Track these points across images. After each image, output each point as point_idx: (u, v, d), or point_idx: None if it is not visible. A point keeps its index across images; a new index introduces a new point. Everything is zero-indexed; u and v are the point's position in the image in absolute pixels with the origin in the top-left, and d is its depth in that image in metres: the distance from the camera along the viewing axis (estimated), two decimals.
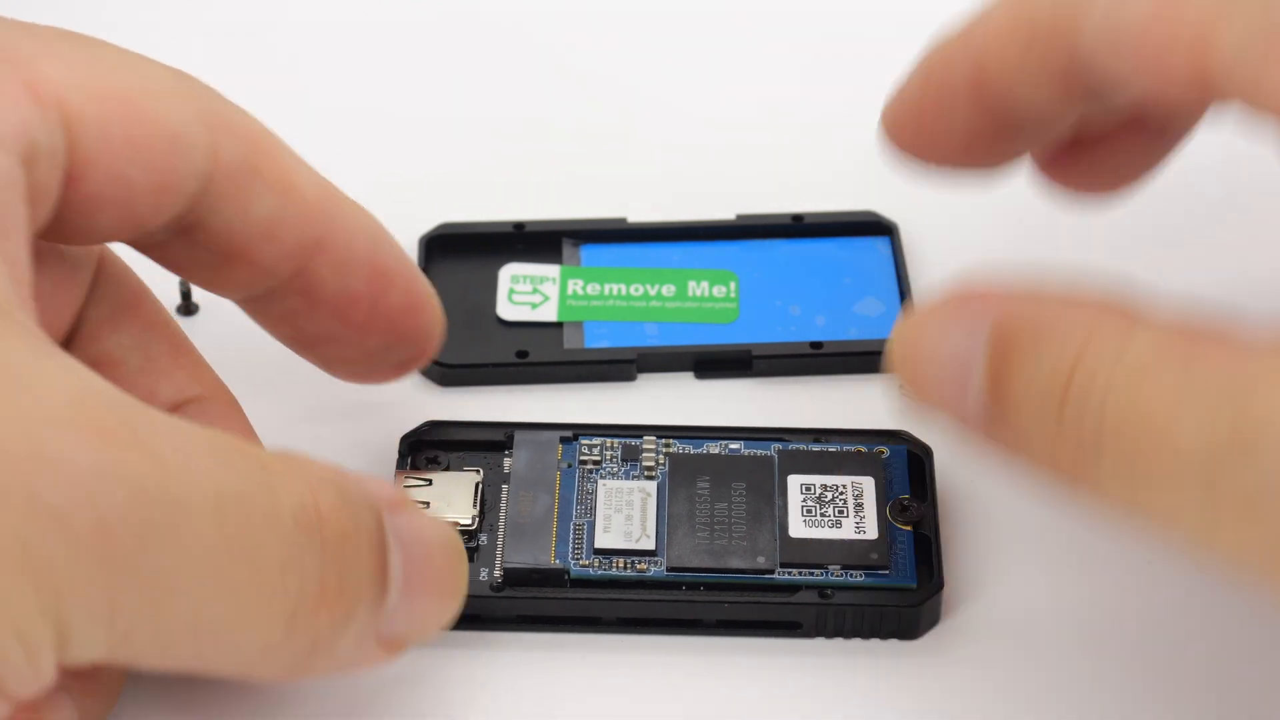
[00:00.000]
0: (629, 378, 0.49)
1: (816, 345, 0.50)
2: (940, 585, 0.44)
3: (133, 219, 0.39)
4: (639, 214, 0.52)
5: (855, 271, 0.51)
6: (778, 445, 0.47)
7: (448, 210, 0.53)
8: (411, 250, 0.51)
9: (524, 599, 0.44)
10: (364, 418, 0.48)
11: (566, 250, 0.52)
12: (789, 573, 0.44)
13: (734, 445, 0.47)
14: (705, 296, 0.50)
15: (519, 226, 0.52)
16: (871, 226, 0.52)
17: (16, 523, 0.32)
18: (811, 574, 0.44)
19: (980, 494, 0.47)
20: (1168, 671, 0.43)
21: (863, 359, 0.49)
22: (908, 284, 0.51)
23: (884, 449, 0.47)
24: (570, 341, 0.50)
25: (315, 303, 0.42)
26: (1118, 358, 0.35)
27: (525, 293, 0.51)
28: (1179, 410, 0.34)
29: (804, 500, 0.45)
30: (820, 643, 0.44)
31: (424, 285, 0.44)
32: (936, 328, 0.38)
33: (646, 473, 0.46)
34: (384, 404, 0.48)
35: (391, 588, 0.37)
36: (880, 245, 0.52)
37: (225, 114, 0.40)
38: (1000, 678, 0.43)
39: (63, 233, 0.39)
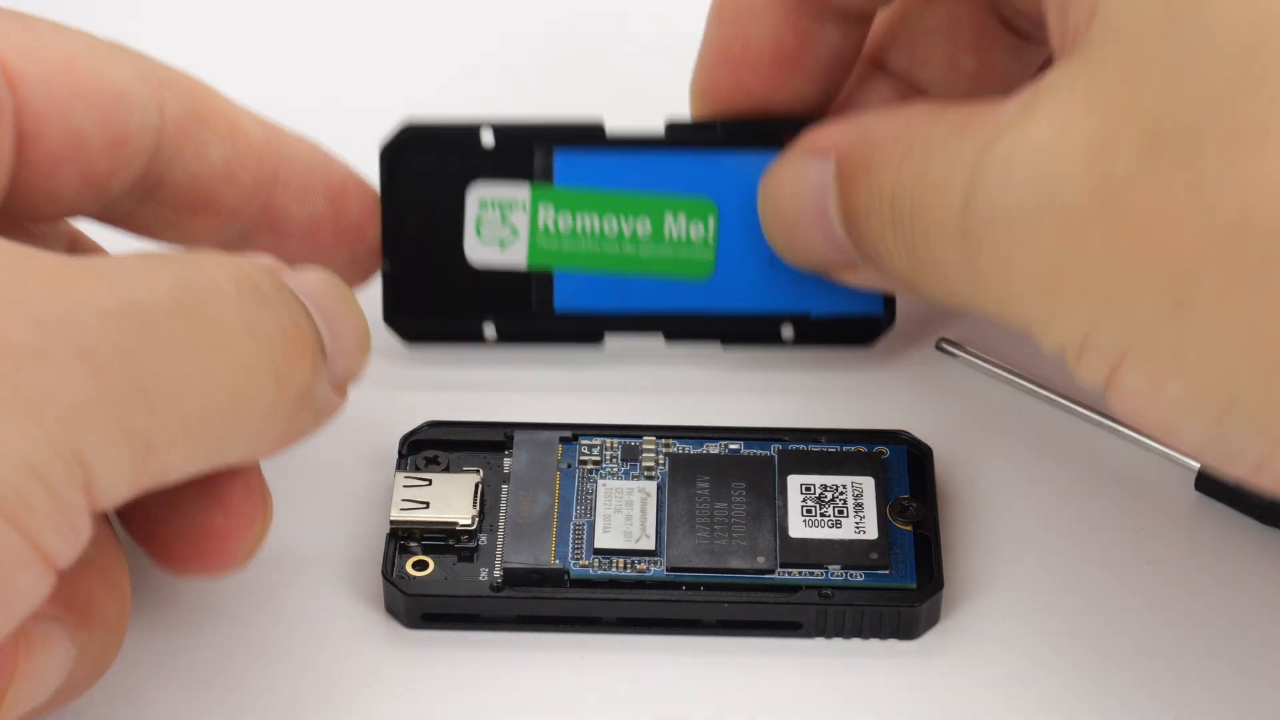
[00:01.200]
0: (596, 340, 0.49)
1: (784, 323, 0.49)
2: (940, 585, 0.44)
3: (93, 180, 0.41)
4: (623, 113, 0.48)
5: None
6: (778, 445, 0.47)
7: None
8: (373, 163, 0.49)
9: (524, 599, 0.44)
10: (364, 417, 0.48)
11: (539, 159, 0.48)
12: (789, 573, 0.44)
13: (734, 445, 0.47)
14: (681, 240, 0.48)
15: (487, 130, 0.48)
16: None
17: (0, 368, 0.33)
18: (811, 574, 0.44)
19: (980, 494, 0.47)
20: (1167, 671, 0.43)
21: (825, 341, 0.49)
22: None
23: (884, 449, 0.47)
24: (539, 299, 0.48)
25: (285, 235, 0.45)
26: (926, 143, 0.40)
27: (494, 224, 0.48)
28: (948, 169, 0.39)
29: (804, 500, 0.45)
30: (820, 643, 0.44)
31: (370, 187, 0.47)
32: (794, 170, 0.45)
33: (646, 473, 0.46)
34: (384, 404, 0.48)
35: (323, 334, 0.39)
36: None
37: (163, 72, 0.42)
38: (1000, 678, 0.43)
39: (27, 203, 0.40)
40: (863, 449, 0.47)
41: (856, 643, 0.44)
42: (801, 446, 0.47)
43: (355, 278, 0.48)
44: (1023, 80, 0.44)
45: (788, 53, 0.46)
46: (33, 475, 0.33)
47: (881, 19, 0.48)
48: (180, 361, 0.35)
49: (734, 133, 0.47)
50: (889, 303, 0.49)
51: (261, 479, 0.40)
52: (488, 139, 0.48)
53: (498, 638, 0.44)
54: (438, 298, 0.49)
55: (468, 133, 0.48)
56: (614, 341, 0.49)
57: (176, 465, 0.36)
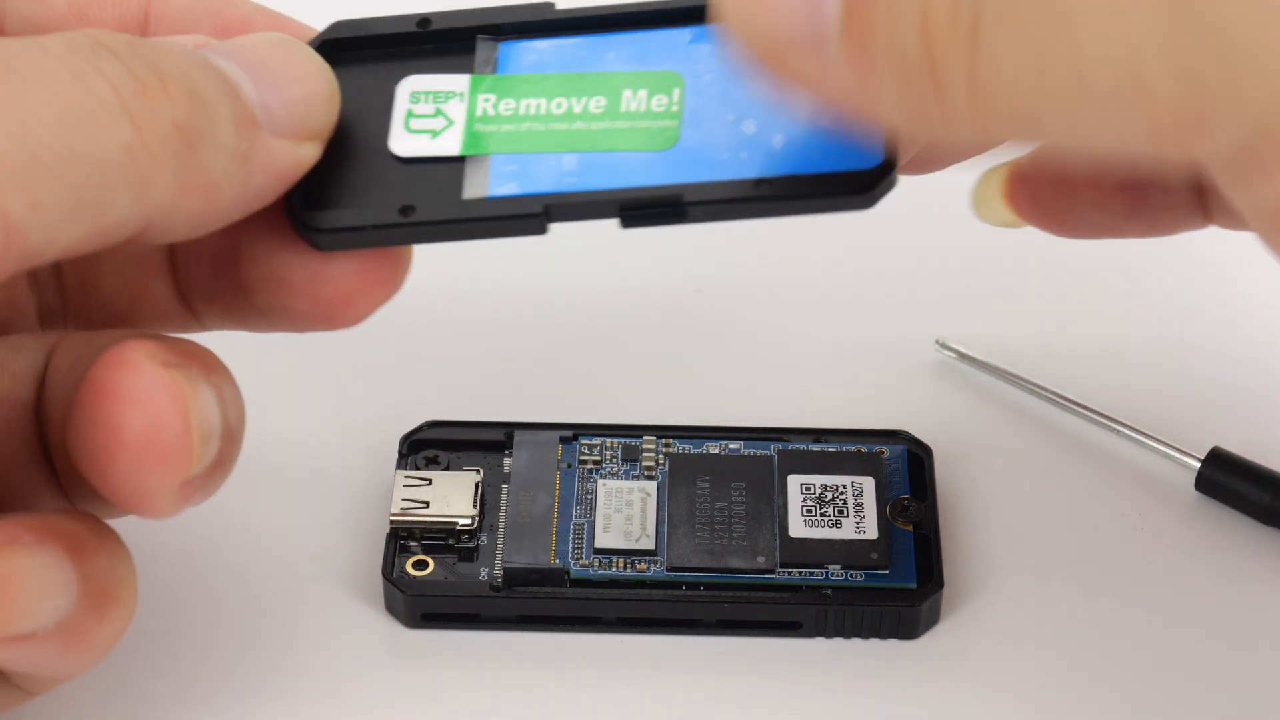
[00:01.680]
0: (539, 231, 0.39)
1: (760, 184, 0.38)
2: (940, 585, 0.44)
3: None
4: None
5: None
6: (778, 445, 0.47)
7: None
8: None
9: (524, 599, 0.44)
10: (364, 417, 0.48)
11: (482, 52, 0.42)
12: (789, 573, 0.44)
13: (734, 445, 0.47)
14: (641, 112, 0.40)
15: (424, 23, 0.42)
16: None
17: None
18: (811, 574, 0.44)
19: (980, 494, 0.47)
20: (1167, 671, 0.43)
21: (812, 197, 0.39)
22: None
23: (884, 449, 0.47)
24: (472, 187, 0.40)
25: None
26: None
27: (425, 115, 0.41)
28: None
29: (804, 500, 0.45)
30: (820, 642, 0.44)
31: (299, 28, 0.41)
32: None
33: (646, 473, 0.46)
34: (384, 403, 0.48)
35: (238, 79, 0.37)
36: None
37: None
38: (1000, 678, 0.43)
39: None
40: (863, 449, 0.47)
41: (856, 642, 0.44)
42: (801, 446, 0.47)
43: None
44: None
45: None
46: None
47: None
48: None
49: (694, 2, 0.40)
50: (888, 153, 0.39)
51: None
52: (422, 30, 0.42)
53: (498, 637, 0.44)
54: (352, 192, 0.40)
55: (402, 25, 0.42)
56: (562, 228, 0.40)
57: (30, 212, 0.34)
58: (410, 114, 0.41)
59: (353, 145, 0.41)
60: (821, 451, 0.46)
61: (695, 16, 0.40)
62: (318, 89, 0.39)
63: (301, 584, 0.45)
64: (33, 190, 0.34)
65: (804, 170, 0.39)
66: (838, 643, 0.44)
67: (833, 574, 0.44)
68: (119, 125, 0.35)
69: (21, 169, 0.34)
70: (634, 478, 0.46)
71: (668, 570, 0.44)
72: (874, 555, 0.44)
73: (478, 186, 0.40)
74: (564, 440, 0.47)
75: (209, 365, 0.38)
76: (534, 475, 0.46)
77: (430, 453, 0.47)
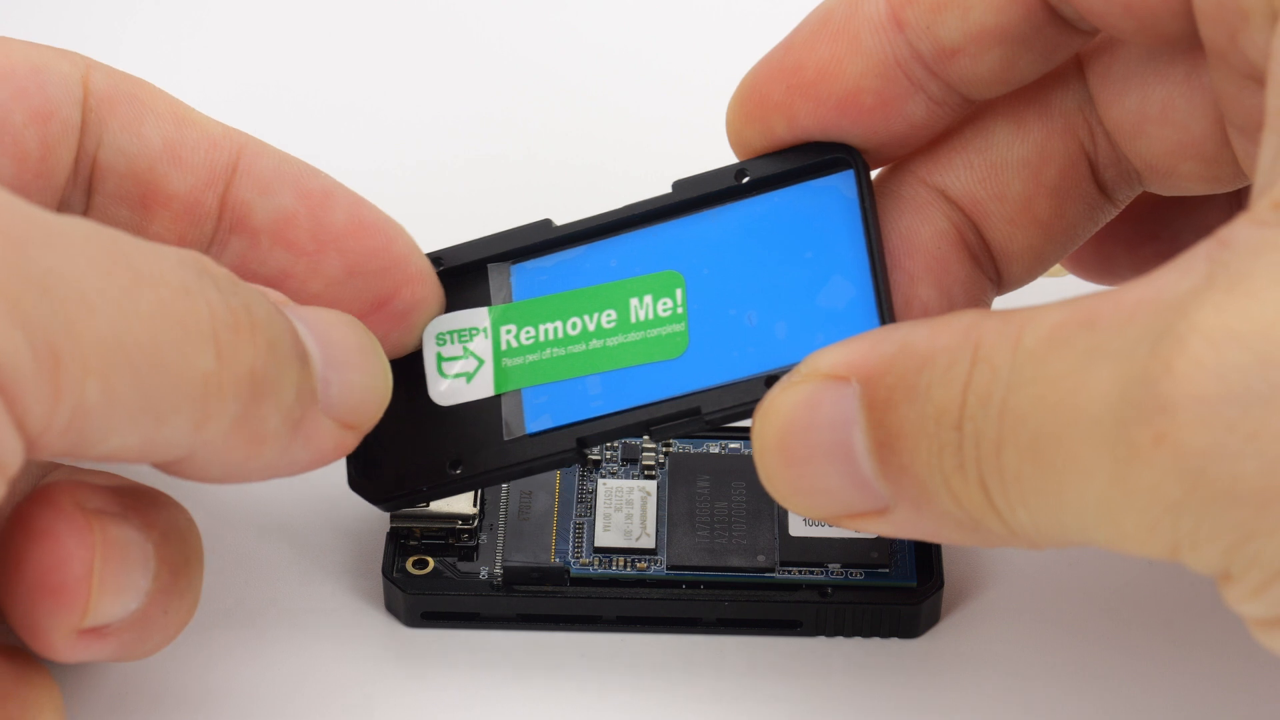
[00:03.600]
0: (577, 461, 0.43)
1: (771, 380, 0.40)
2: (940, 584, 0.44)
3: (28, 164, 0.39)
4: (570, 213, 0.45)
5: (817, 238, 0.42)
6: None
7: None
8: None
9: (524, 597, 0.44)
10: None
11: (495, 279, 0.44)
12: (789, 571, 0.44)
13: (734, 445, 0.47)
14: (650, 320, 0.42)
15: (437, 260, 0.44)
16: (828, 163, 0.42)
17: None
18: (811, 573, 0.44)
19: None
20: (1167, 670, 0.43)
21: None
22: (877, 236, 0.41)
23: None
24: (511, 427, 0.43)
25: (254, 234, 0.41)
26: (1012, 354, 0.34)
27: (455, 357, 0.43)
28: (1085, 370, 0.33)
29: None
30: (820, 641, 0.44)
31: (375, 210, 0.42)
32: (803, 402, 0.37)
33: (646, 472, 0.46)
34: None
35: (311, 352, 0.38)
36: (843, 186, 0.42)
37: (89, 59, 0.40)
38: (1000, 677, 0.43)
39: None
40: None
41: (856, 641, 0.44)
42: None
43: (367, 307, 0.42)
44: (1082, 239, 0.43)
45: (861, 104, 0.40)
46: None
47: (958, 134, 0.42)
48: (88, 277, 0.33)
49: (686, 194, 0.43)
50: None
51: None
52: (436, 268, 0.44)
53: (498, 636, 0.44)
54: (404, 451, 0.43)
55: None
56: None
57: (101, 402, 0.34)
58: (440, 358, 0.44)
59: (396, 394, 0.42)
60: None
61: (684, 209, 0.43)
62: (376, 384, 0.40)
63: (301, 583, 0.45)
64: (113, 383, 0.34)
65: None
66: (838, 642, 0.44)
67: (833, 573, 0.44)
68: (205, 352, 0.35)
69: (112, 360, 0.34)
70: (634, 477, 0.46)
71: (668, 569, 0.44)
72: (874, 554, 0.44)
73: (515, 425, 0.43)
74: None
75: (150, 521, 0.38)
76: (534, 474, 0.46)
77: None
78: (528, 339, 0.43)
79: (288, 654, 0.44)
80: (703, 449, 0.47)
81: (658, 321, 0.42)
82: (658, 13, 0.62)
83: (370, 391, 0.40)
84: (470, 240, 0.44)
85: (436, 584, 0.44)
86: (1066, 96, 0.41)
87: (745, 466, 0.46)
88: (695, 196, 0.43)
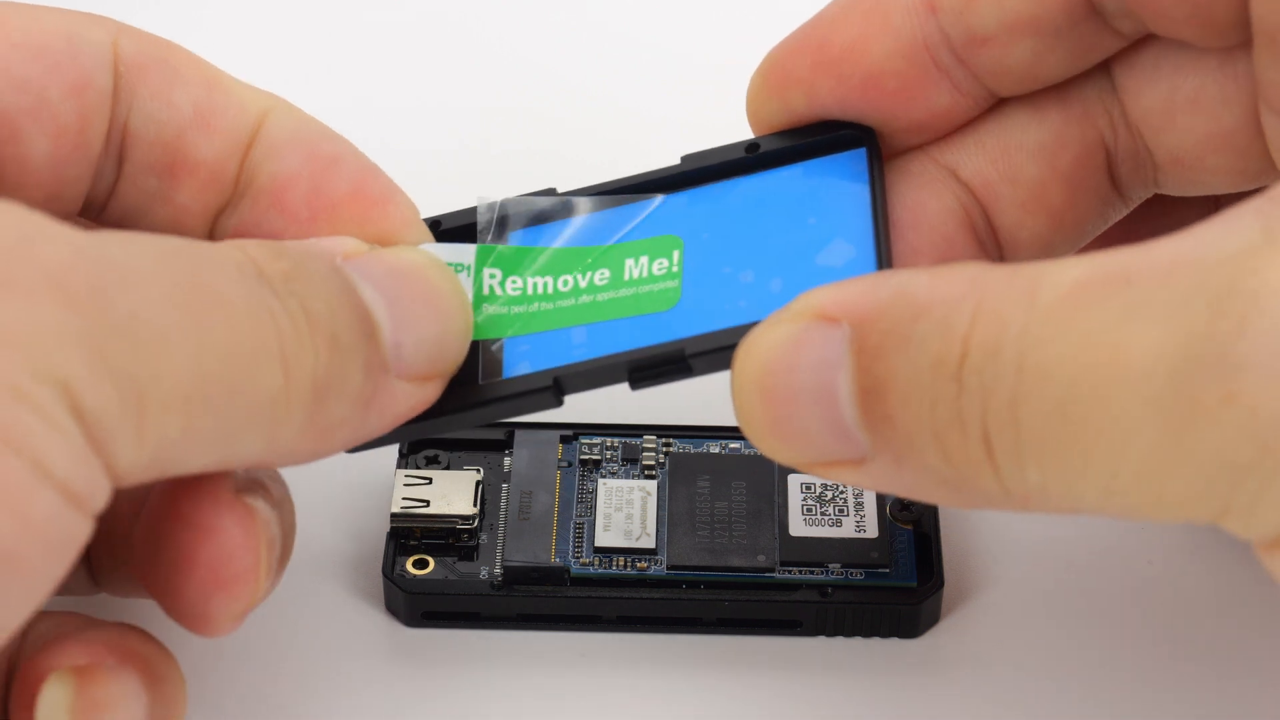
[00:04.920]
0: (555, 404, 0.41)
1: None
2: (940, 584, 0.44)
3: (65, 139, 0.38)
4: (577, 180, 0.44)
5: (822, 206, 0.41)
6: None
7: None
8: None
9: (524, 597, 0.44)
10: None
11: (491, 232, 0.43)
12: (789, 571, 0.44)
13: (734, 445, 0.47)
14: (644, 277, 0.41)
15: (435, 224, 0.43)
16: (842, 140, 0.42)
17: None
18: (811, 572, 0.44)
19: None
20: (1167, 672, 0.43)
21: None
22: (884, 209, 0.41)
23: None
24: (487, 369, 0.41)
25: (255, 197, 0.41)
26: (1028, 308, 0.33)
27: None
28: (1128, 327, 0.32)
29: (804, 499, 0.45)
30: (820, 641, 0.44)
31: (381, 179, 0.41)
32: (788, 340, 0.36)
33: (646, 472, 0.46)
34: None
35: (378, 316, 0.37)
36: (853, 162, 0.42)
37: (119, 24, 0.40)
38: (1000, 677, 0.43)
39: (6, 184, 0.38)
40: None
41: (856, 641, 0.44)
42: None
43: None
44: (1091, 237, 0.42)
45: (885, 85, 0.40)
46: (19, 398, 0.31)
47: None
48: (165, 313, 0.33)
49: (695, 165, 0.42)
50: None
51: (259, 520, 0.38)
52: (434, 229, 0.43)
53: (498, 636, 0.44)
54: None
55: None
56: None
57: (181, 437, 0.34)
58: None
59: None
60: None
61: (693, 180, 0.42)
62: (454, 327, 0.39)
63: (301, 583, 0.45)
64: (192, 418, 0.34)
65: None
66: (838, 641, 0.44)
67: (833, 573, 0.44)
68: (273, 372, 0.35)
69: (189, 397, 0.34)
70: (634, 477, 0.46)
71: (668, 569, 0.44)
72: (874, 554, 0.44)
73: (493, 369, 0.41)
74: (564, 440, 0.47)
75: (268, 486, 0.38)
76: (534, 474, 0.46)
77: (431, 452, 0.47)
78: (514, 290, 0.41)
79: (288, 654, 0.44)
80: (703, 449, 0.47)
81: (651, 279, 0.41)
82: (660, 4, 0.62)
83: (448, 336, 0.39)
84: (471, 206, 0.43)
85: (436, 584, 0.44)
86: (1088, 84, 0.41)
87: (745, 466, 0.46)
88: (704, 168, 0.42)
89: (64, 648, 0.37)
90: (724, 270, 0.41)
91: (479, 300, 0.41)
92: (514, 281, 0.41)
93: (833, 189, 0.41)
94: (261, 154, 0.40)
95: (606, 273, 0.41)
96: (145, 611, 0.42)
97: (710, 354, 0.39)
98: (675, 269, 0.41)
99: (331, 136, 0.41)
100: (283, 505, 0.39)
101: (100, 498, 0.33)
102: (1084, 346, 0.32)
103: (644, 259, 0.41)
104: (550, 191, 0.42)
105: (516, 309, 0.41)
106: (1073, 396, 0.32)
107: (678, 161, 0.42)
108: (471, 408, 0.40)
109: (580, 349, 0.41)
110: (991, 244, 0.42)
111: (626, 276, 0.41)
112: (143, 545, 0.38)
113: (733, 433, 0.47)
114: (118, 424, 0.33)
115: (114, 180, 0.40)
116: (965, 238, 0.41)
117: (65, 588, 0.38)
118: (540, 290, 0.41)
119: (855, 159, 0.41)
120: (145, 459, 0.34)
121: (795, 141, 0.41)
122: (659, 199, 0.42)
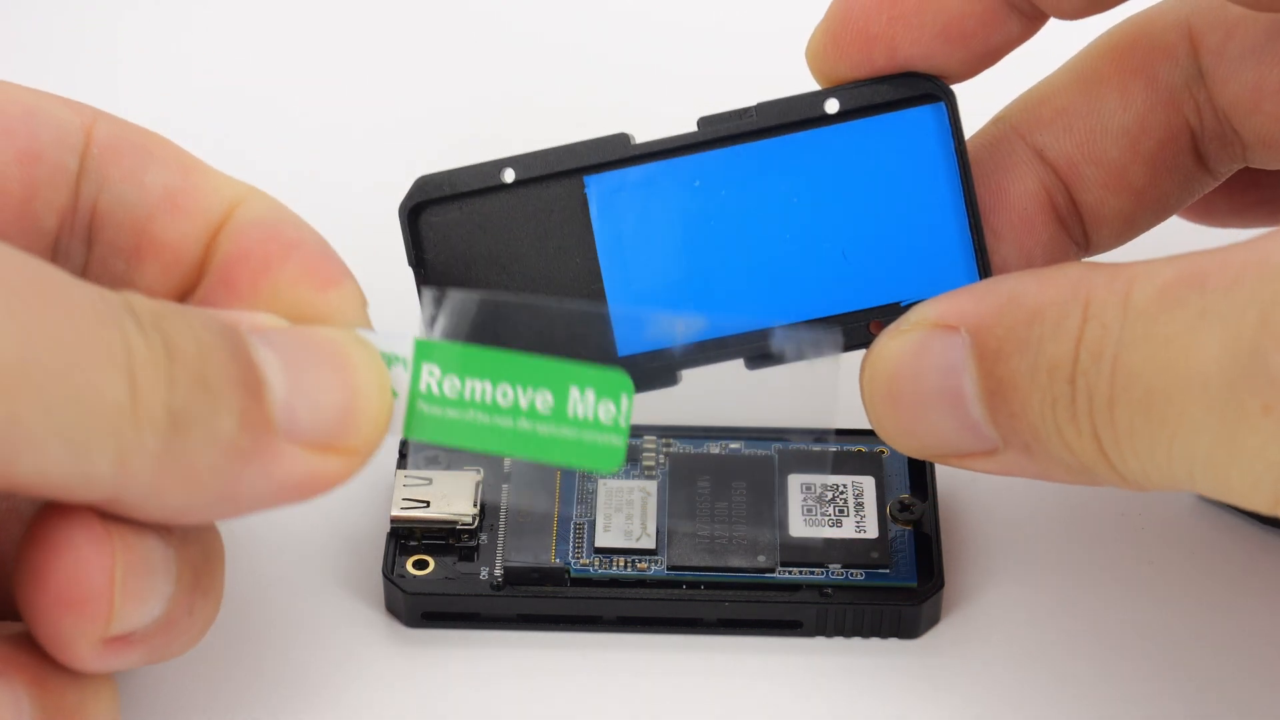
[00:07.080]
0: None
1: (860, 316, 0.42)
2: (940, 585, 0.44)
3: (10, 203, 0.39)
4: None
5: (905, 175, 0.42)
6: (778, 445, 0.47)
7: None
8: None
9: (524, 598, 0.44)
10: None
11: (436, 301, 0.41)
12: (789, 572, 0.44)
13: (734, 445, 0.47)
14: (587, 420, 0.38)
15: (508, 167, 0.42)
16: (917, 96, 0.41)
17: None
18: (812, 573, 0.44)
19: (980, 494, 0.47)
20: (1167, 672, 0.43)
21: None
22: (971, 188, 0.41)
23: (884, 449, 0.47)
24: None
25: (210, 275, 0.40)
26: (1123, 311, 0.35)
27: None
28: (1197, 332, 0.34)
29: (804, 500, 0.45)
30: (820, 642, 0.44)
31: (338, 264, 0.40)
32: (913, 350, 0.39)
33: (647, 472, 0.46)
34: None
35: (269, 374, 0.36)
36: (933, 119, 0.42)
37: (100, 111, 0.40)
38: (1000, 677, 0.43)
39: None
40: (863, 449, 0.47)
41: (857, 642, 0.44)
42: (802, 446, 0.47)
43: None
44: (1176, 210, 0.43)
45: (965, 28, 0.41)
46: None
47: (1063, 98, 0.43)
48: None
49: (770, 118, 0.41)
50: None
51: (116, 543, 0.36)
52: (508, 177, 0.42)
53: (498, 636, 0.44)
54: None
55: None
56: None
57: (9, 423, 0.33)
58: None
59: None
60: (822, 451, 0.46)
61: (766, 133, 0.42)
62: (363, 404, 0.38)
63: (301, 583, 0.45)
64: (17, 405, 0.33)
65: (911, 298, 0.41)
66: (838, 642, 0.44)
67: (833, 573, 0.44)
68: (117, 383, 0.34)
69: (13, 382, 0.33)
70: (634, 477, 0.46)
71: (668, 569, 0.44)
72: (874, 554, 0.44)
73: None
74: None
75: (169, 527, 0.37)
76: (534, 475, 0.46)
77: (430, 452, 0.47)
78: (451, 391, 0.39)
79: (288, 654, 0.44)
80: (703, 449, 0.47)
81: (596, 426, 0.38)
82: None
83: (351, 411, 0.37)
84: (546, 149, 0.42)
85: (436, 584, 0.44)
86: (1175, 71, 0.42)
87: (745, 466, 0.46)
88: (779, 123, 0.42)
89: None
90: (819, 246, 0.42)
91: (415, 396, 0.39)
92: (452, 381, 0.39)
93: (915, 155, 0.41)
94: (225, 237, 0.40)
95: (549, 398, 0.38)
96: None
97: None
98: (622, 423, 0.38)
99: (298, 224, 0.41)
100: (187, 536, 0.37)
101: None
102: (1163, 349, 0.35)
103: (590, 395, 0.38)
104: (625, 138, 0.42)
105: (452, 413, 0.39)
106: (1153, 395, 0.35)
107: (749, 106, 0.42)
108: None
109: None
110: (1074, 221, 0.43)
111: (570, 413, 0.38)
112: (16, 568, 0.36)
113: (733, 433, 0.47)
114: None
115: (83, 262, 0.40)
116: (1045, 219, 0.43)
117: None
118: (478, 398, 0.39)
119: (935, 116, 0.41)
120: None
121: (873, 99, 0.41)
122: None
